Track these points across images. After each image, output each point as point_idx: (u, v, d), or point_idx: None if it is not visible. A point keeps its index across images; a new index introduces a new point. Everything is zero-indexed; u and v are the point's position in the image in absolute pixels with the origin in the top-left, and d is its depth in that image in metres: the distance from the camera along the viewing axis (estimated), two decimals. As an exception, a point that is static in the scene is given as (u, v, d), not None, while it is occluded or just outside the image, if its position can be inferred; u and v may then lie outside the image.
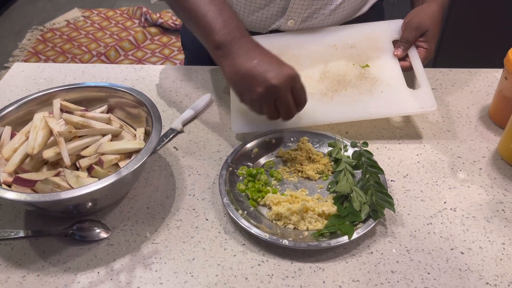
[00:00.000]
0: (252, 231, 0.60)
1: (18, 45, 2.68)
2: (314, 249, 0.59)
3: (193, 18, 0.67)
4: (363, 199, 0.63)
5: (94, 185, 0.56)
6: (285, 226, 0.63)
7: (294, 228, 0.62)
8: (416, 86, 0.80)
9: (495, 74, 0.92)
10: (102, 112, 0.72)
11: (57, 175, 0.62)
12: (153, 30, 2.77)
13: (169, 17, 2.79)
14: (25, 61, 2.51)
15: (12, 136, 0.67)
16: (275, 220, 0.63)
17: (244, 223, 0.61)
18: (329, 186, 0.68)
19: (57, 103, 0.70)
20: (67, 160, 0.62)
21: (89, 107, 0.73)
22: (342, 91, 0.77)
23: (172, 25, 2.75)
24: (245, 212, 0.63)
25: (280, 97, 0.63)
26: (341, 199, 0.65)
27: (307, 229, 0.62)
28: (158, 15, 2.80)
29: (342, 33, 0.85)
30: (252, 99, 0.65)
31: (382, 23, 0.86)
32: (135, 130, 0.72)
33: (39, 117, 0.66)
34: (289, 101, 0.64)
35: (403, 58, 0.81)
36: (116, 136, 0.69)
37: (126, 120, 0.74)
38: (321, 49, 0.83)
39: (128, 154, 0.66)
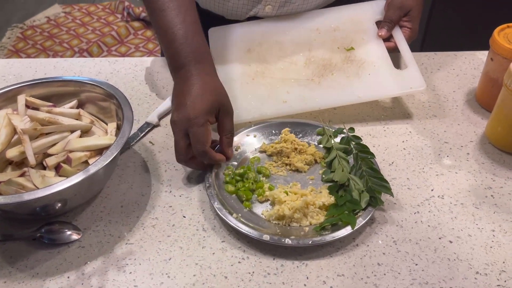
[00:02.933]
0: (251, 235, 0.56)
1: (-3, 44, 2.61)
2: (319, 245, 0.57)
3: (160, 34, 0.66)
4: (361, 187, 0.60)
5: (60, 185, 0.53)
6: (285, 225, 0.59)
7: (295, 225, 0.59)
8: (403, 66, 0.77)
9: (480, 57, 0.89)
10: (71, 108, 0.68)
11: (22, 175, 0.58)
12: (136, 24, 2.71)
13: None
14: (5, 59, 2.44)
15: (-25, 135, 0.63)
16: (275, 220, 0.60)
17: (242, 228, 0.57)
18: (323, 176, 0.65)
19: (21, 99, 0.66)
20: (31, 159, 0.58)
21: (58, 102, 0.69)
22: (329, 75, 0.75)
23: (156, 18, 2.69)
24: (239, 215, 0.59)
25: (175, 134, 0.62)
26: (336, 188, 0.62)
27: (310, 224, 0.59)
28: (140, 9, 2.74)
29: (324, 16, 0.82)
30: (171, 122, 0.62)
31: (364, 4, 0.83)
32: (107, 125, 0.68)
33: (1, 114, 0.62)
34: (181, 143, 0.61)
35: (387, 38, 0.79)
36: (86, 132, 0.65)
37: (98, 115, 0.70)
38: (304, 34, 0.80)
39: (99, 151, 0.63)
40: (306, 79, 0.75)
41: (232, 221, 0.58)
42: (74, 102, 0.69)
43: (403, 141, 0.72)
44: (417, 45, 1.70)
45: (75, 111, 0.66)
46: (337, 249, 0.57)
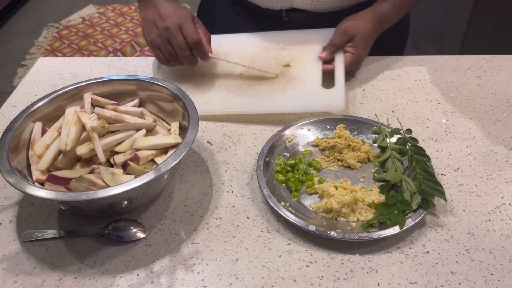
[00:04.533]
0: (298, 224, 0.56)
1: (34, 43, 2.67)
2: (365, 240, 0.56)
3: None
4: (413, 188, 0.59)
5: (133, 183, 0.53)
6: (331, 218, 0.59)
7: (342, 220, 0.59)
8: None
9: (543, 60, 0.86)
10: (133, 106, 0.69)
11: (91, 172, 0.59)
12: (168, 25, 2.74)
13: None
14: (42, 58, 2.50)
15: (43, 132, 0.64)
16: (323, 213, 0.60)
17: (289, 216, 0.57)
18: (375, 175, 0.65)
19: (88, 97, 0.67)
20: (101, 157, 0.59)
21: (118, 100, 0.70)
22: (257, 85, 0.78)
23: (188, 19, 2.71)
24: (287, 203, 0.60)
25: (172, 36, 0.74)
26: (387, 187, 0.62)
27: (357, 220, 0.59)
28: (173, 9, 2.77)
29: (278, 37, 0.86)
30: (151, 40, 0.77)
31: (319, 30, 0.86)
32: (168, 124, 0.69)
33: (70, 111, 0.63)
34: (179, 39, 0.74)
35: (330, 62, 0.81)
36: (150, 131, 0.65)
37: (158, 114, 0.71)
38: (252, 49, 0.85)
39: (164, 150, 0.63)
40: (235, 86, 0.79)
41: (280, 208, 0.58)
42: (136, 101, 0.70)
43: (467, 146, 0.70)
44: (458, 42, 1.67)
45: (139, 109, 0.67)
46: (407, 255, 0.56)
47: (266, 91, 0.77)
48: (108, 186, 0.56)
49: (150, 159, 0.61)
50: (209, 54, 0.78)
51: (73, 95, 0.68)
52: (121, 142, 0.62)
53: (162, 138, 0.63)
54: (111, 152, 0.62)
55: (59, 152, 0.60)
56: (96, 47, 2.62)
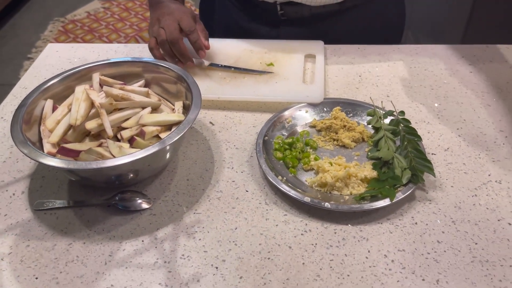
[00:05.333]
0: (293, 195, 0.60)
1: (40, 37, 2.71)
2: (356, 212, 0.59)
3: None
4: (404, 165, 0.62)
5: (139, 153, 0.57)
6: (326, 192, 0.62)
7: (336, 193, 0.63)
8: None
9: (534, 50, 0.89)
10: (140, 86, 0.72)
11: (100, 145, 0.63)
12: (172, 20, 2.77)
13: (188, 7, 2.79)
14: (48, 51, 2.54)
15: (54, 109, 0.68)
16: (318, 187, 0.63)
17: (285, 188, 0.61)
18: (369, 153, 0.68)
19: (96, 77, 0.70)
20: (109, 131, 0.62)
21: (125, 82, 0.73)
22: (241, 78, 0.82)
23: (192, 14, 2.75)
24: (284, 178, 0.63)
25: (169, 25, 0.79)
26: (380, 164, 0.65)
27: (351, 194, 0.62)
28: (177, 5, 2.80)
29: (264, 44, 0.90)
30: (151, 32, 0.82)
31: (305, 41, 0.90)
32: (172, 105, 0.72)
33: (80, 89, 0.67)
34: (174, 25, 0.79)
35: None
36: (155, 109, 0.69)
37: (162, 95, 0.74)
38: (238, 51, 0.89)
39: (168, 127, 0.66)
40: (219, 78, 0.83)
41: (278, 182, 0.62)
42: (142, 82, 0.73)
43: (457, 129, 0.73)
44: (458, 36, 1.69)
45: (144, 89, 0.70)
46: (396, 226, 0.59)
47: (248, 82, 0.81)
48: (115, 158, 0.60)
49: (154, 135, 0.65)
50: (204, 53, 0.82)
51: (83, 75, 0.72)
52: (127, 119, 0.65)
53: (167, 115, 0.66)
54: (118, 128, 0.65)
55: (69, 127, 0.64)
56: (101, 41, 2.66)
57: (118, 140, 0.64)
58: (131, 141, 0.64)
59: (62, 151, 0.60)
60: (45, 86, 0.68)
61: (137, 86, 0.73)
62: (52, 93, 0.69)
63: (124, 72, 0.74)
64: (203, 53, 0.81)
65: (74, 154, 0.60)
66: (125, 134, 0.63)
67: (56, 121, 0.65)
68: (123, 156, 0.57)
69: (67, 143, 0.63)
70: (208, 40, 0.83)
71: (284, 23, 0.93)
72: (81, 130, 0.64)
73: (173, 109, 0.70)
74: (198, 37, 0.80)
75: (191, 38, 0.80)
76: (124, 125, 0.65)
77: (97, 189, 0.65)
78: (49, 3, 3.04)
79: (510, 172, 0.66)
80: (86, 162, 0.56)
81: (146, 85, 0.75)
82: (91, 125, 0.63)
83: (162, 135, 0.64)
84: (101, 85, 0.70)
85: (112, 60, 0.73)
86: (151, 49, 0.81)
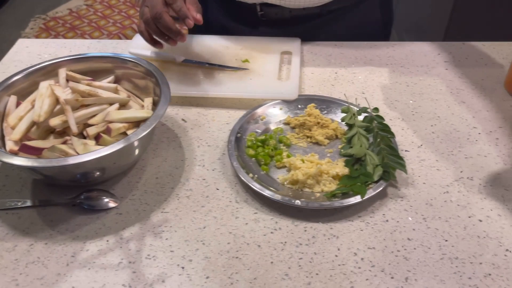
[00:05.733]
0: (264, 193, 0.59)
1: (21, 34, 2.66)
2: (327, 209, 0.59)
3: None
4: (376, 162, 0.62)
5: (102, 151, 0.55)
6: (297, 189, 0.62)
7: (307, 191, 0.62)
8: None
9: (509, 47, 0.89)
10: (109, 82, 0.70)
11: (64, 143, 0.61)
12: (156, 17, 2.74)
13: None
14: (28, 49, 2.49)
15: (18, 106, 0.65)
16: (289, 184, 0.62)
17: (256, 186, 0.60)
18: (342, 150, 0.67)
19: (62, 72, 0.68)
20: (74, 128, 0.60)
21: (95, 78, 0.71)
22: (215, 74, 0.81)
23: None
24: (256, 175, 0.62)
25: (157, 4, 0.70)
26: (352, 161, 0.64)
27: (322, 191, 0.61)
28: (161, 2, 2.77)
29: (240, 41, 0.89)
30: (141, 13, 0.74)
31: (280, 38, 0.89)
32: (143, 101, 0.70)
33: (45, 85, 0.65)
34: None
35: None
36: (124, 106, 0.67)
37: (133, 91, 0.72)
38: (214, 48, 0.87)
39: (137, 124, 0.65)
40: (192, 73, 0.81)
41: (248, 179, 0.60)
42: (111, 78, 0.72)
43: (431, 125, 0.73)
44: (440, 35, 1.70)
45: (113, 85, 0.68)
46: (367, 223, 0.58)
47: (222, 78, 0.80)
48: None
49: (122, 132, 0.63)
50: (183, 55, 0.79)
51: (50, 71, 0.70)
52: (94, 116, 0.64)
53: (135, 111, 0.65)
54: (85, 125, 0.63)
55: (33, 123, 0.62)
56: (83, 39, 2.62)
57: (84, 138, 0.63)
58: (97, 138, 0.62)
59: (24, 148, 0.58)
60: (9, 82, 0.66)
61: (106, 82, 0.71)
62: (16, 89, 0.67)
63: (94, 68, 0.72)
64: (190, 21, 0.70)
65: (37, 152, 0.59)
66: (91, 131, 0.61)
67: (18, 117, 0.62)
68: (86, 154, 0.55)
69: (31, 140, 0.61)
70: (201, 14, 0.72)
71: (265, 24, 0.92)
72: (45, 127, 0.62)
73: (143, 105, 0.69)
74: (181, 5, 0.70)
75: (174, 7, 0.70)
76: (90, 121, 0.63)
77: (62, 188, 0.63)
78: (31, 0, 2.99)
79: (482, 168, 0.65)
80: (47, 160, 0.54)
81: (117, 81, 0.73)
82: (55, 121, 0.61)
83: (130, 133, 0.63)
84: (68, 81, 0.68)
85: (80, 55, 0.71)
86: (140, 33, 0.75)
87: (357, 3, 0.91)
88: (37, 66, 0.69)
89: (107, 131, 0.62)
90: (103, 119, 0.63)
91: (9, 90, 0.66)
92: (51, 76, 0.70)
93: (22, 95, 0.67)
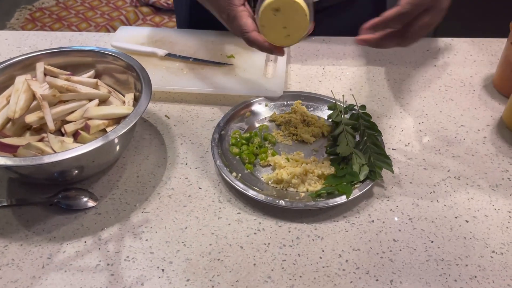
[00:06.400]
0: (247, 193, 0.57)
1: (6, 25, 2.60)
2: (311, 209, 0.57)
3: None
4: (362, 161, 0.60)
5: (80, 149, 0.53)
6: (282, 189, 0.60)
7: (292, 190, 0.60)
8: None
9: (498, 44, 0.89)
10: (89, 77, 0.68)
11: (40, 140, 0.58)
12: (145, 9, 2.70)
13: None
14: (13, 40, 2.44)
15: (-7, 101, 0.63)
16: (274, 184, 0.61)
17: (239, 185, 0.58)
18: (328, 148, 0.66)
19: (40, 66, 0.66)
20: (51, 125, 0.58)
21: (75, 73, 0.69)
22: (199, 70, 0.79)
23: (165, 4, 2.68)
24: (239, 174, 0.60)
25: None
26: (338, 160, 0.63)
27: (307, 191, 0.60)
28: (150, -6, 2.73)
29: (226, 36, 0.86)
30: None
31: None
32: (124, 97, 0.68)
33: (21, 80, 0.62)
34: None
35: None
36: (104, 102, 0.65)
37: (114, 86, 0.70)
38: (199, 42, 0.85)
39: (117, 120, 0.62)
40: (177, 69, 0.79)
41: (231, 179, 0.59)
42: (91, 73, 0.69)
43: (419, 123, 0.72)
44: (430, 32, 1.69)
45: (93, 80, 0.66)
46: (353, 224, 0.57)
47: (206, 74, 0.78)
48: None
49: (101, 129, 0.61)
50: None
51: (27, 65, 0.67)
52: (73, 112, 0.61)
53: (114, 108, 0.62)
54: (62, 121, 0.61)
55: (8, 120, 0.59)
56: (70, 30, 2.57)
57: (62, 135, 0.60)
58: (75, 135, 0.60)
59: (-2, 146, 0.56)
60: (-17, 77, 0.63)
61: (86, 77, 0.68)
62: (-9, 83, 0.64)
63: (73, 62, 0.70)
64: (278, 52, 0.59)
65: (12, 150, 0.56)
66: (69, 128, 0.59)
67: (-7, 113, 0.60)
68: (63, 152, 0.53)
69: (6, 137, 0.59)
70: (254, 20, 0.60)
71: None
72: (21, 124, 0.60)
73: (124, 101, 0.67)
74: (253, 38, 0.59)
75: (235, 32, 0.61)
76: (68, 118, 0.61)
77: (39, 186, 0.61)
78: (16, -10, 2.92)
79: (469, 167, 0.64)
80: (22, 158, 0.52)
81: (97, 75, 0.70)
82: (31, 118, 0.59)
83: (109, 129, 0.61)
84: (46, 75, 0.66)
85: (59, 49, 0.69)
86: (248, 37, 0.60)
87: (351, 0, 0.89)
88: (14, 60, 0.66)
89: (86, 128, 0.60)
90: (81, 116, 0.61)
91: (-16, 84, 0.63)
92: (29, 70, 0.67)
93: (-3, 90, 0.65)
